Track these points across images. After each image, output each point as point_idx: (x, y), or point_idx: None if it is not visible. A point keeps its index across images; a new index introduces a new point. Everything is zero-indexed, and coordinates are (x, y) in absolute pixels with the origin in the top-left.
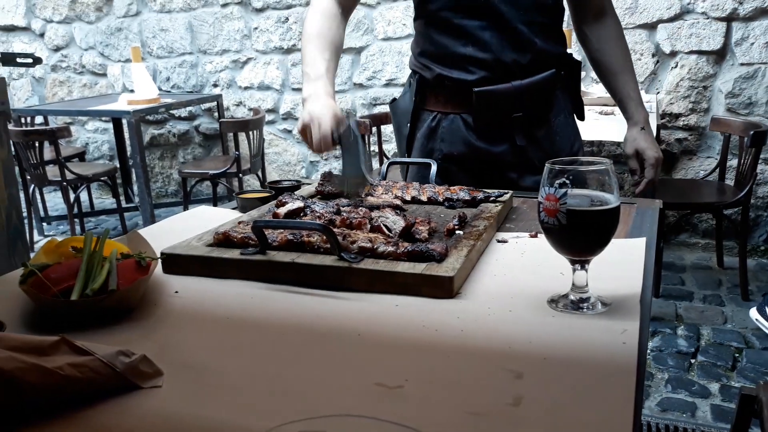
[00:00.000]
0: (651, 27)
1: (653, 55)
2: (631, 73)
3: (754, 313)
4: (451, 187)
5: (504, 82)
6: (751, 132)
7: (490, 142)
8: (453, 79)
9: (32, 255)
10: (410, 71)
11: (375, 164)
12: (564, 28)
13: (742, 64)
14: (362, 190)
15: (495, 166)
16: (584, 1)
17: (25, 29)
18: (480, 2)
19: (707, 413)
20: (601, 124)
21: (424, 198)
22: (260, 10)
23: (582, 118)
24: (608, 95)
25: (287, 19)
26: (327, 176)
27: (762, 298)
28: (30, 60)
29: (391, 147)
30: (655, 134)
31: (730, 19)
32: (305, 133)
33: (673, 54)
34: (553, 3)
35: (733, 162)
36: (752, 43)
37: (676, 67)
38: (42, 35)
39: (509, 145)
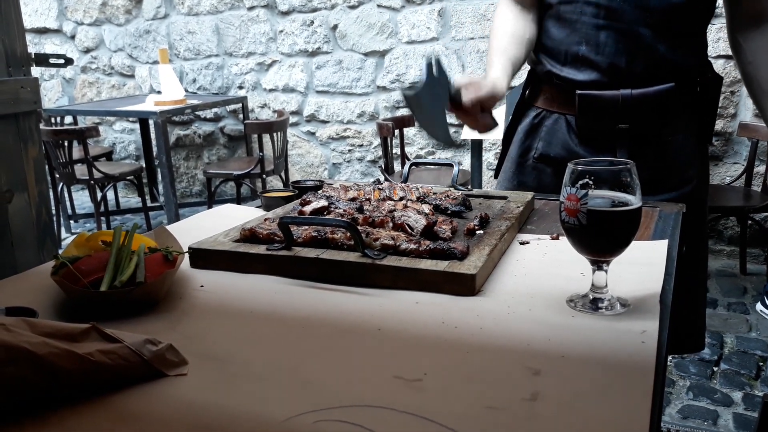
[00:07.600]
0: None
1: None
2: None
3: (759, 306)
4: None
5: (614, 88)
6: None
7: (590, 149)
8: (561, 77)
9: (60, 251)
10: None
11: (397, 167)
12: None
13: None
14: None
15: None
16: (740, 5)
17: (57, 31)
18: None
19: (729, 422)
20: None
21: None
22: (286, 14)
23: (709, 141)
24: None
25: (312, 22)
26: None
27: (763, 289)
28: (62, 61)
29: (413, 150)
30: None
31: None
32: None
33: None
34: (691, 6)
35: (760, 168)
36: None
37: None
38: (73, 37)
39: (611, 156)
